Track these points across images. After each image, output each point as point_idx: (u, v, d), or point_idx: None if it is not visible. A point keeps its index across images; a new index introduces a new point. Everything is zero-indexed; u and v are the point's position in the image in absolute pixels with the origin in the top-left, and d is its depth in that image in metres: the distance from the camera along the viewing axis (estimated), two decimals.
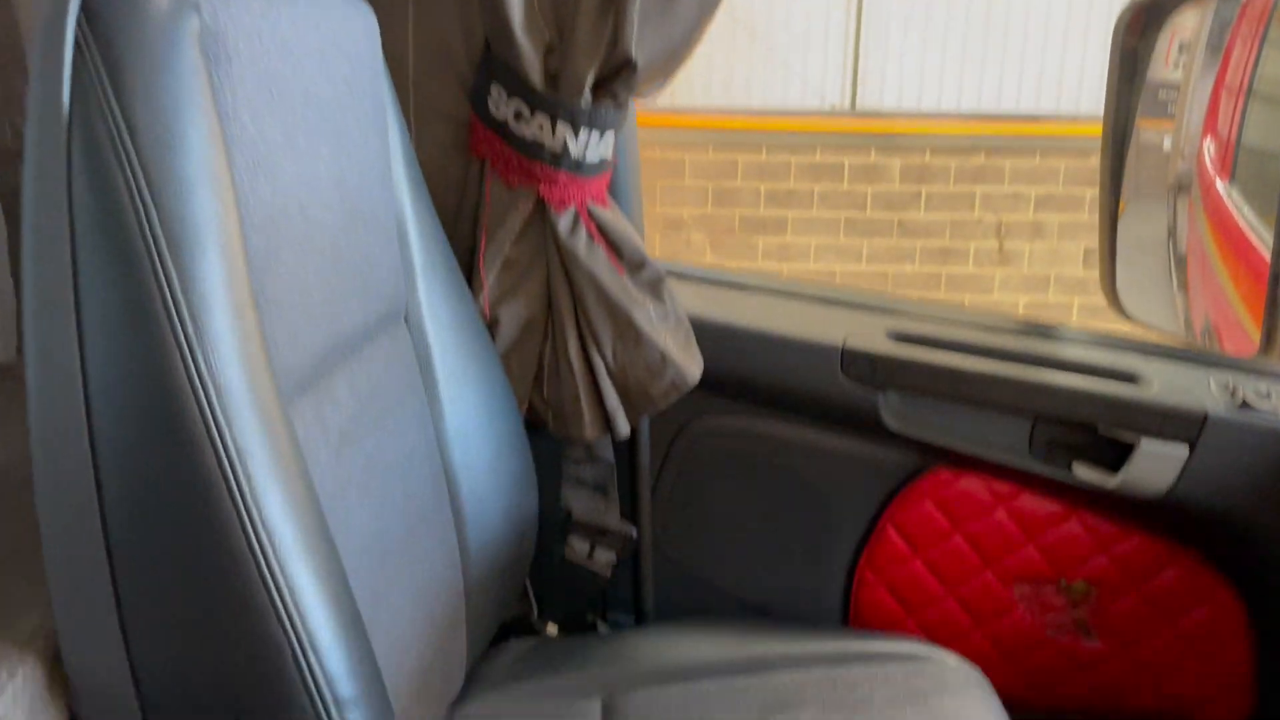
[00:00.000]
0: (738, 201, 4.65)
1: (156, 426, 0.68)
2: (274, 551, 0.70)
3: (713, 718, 1.06)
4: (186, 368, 0.67)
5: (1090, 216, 4.41)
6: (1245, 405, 1.21)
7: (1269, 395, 1.23)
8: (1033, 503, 1.32)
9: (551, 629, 1.29)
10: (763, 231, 4.68)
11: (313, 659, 0.70)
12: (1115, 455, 1.26)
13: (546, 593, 1.30)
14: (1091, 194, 4.43)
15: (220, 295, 0.69)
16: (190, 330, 0.67)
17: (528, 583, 1.26)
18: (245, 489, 0.69)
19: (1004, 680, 1.35)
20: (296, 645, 0.70)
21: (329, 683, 0.71)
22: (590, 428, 1.20)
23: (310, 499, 0.75)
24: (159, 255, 0.66)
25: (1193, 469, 1.22)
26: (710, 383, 1.30)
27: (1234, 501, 1.23)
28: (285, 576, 0.70)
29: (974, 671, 1.13)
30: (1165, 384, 1.25)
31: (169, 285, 0.67)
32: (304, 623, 0.70)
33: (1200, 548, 1.29)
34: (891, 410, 1.31)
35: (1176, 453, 1.22)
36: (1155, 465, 1.23)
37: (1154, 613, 1.31)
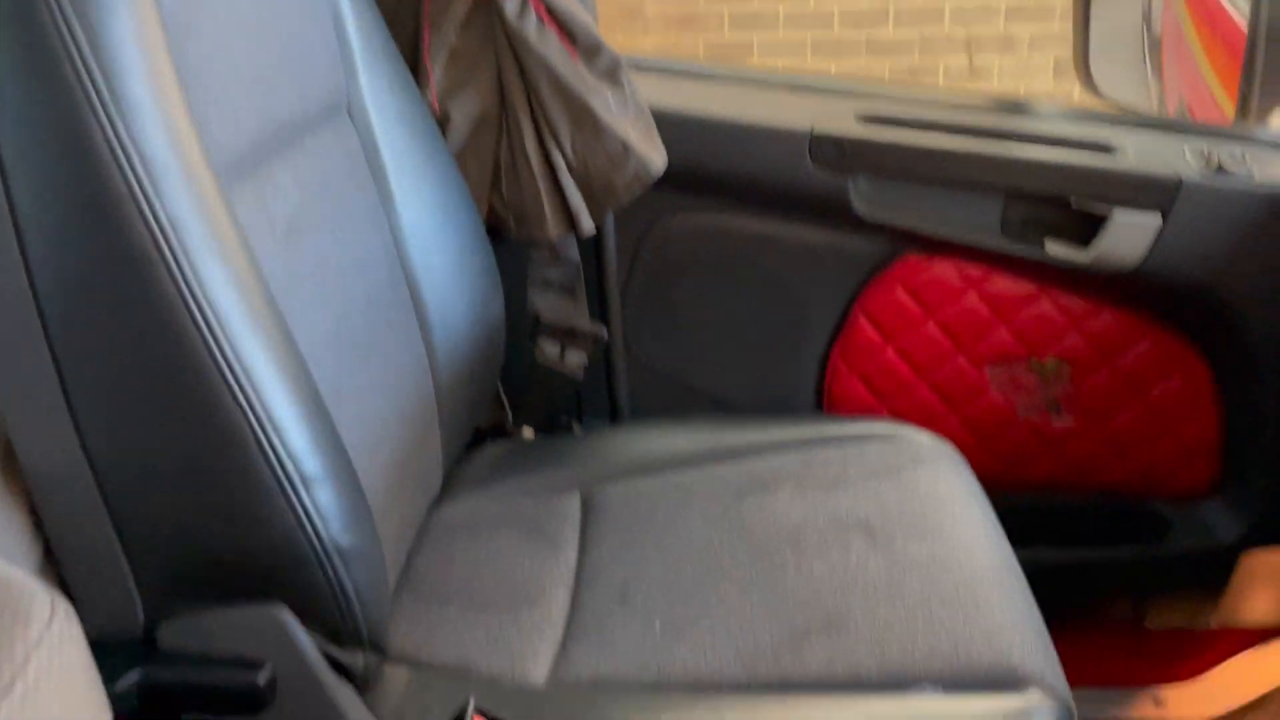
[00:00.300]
0: (704, 27, 4.49)
1: (80, 200, 0.64)
2: (220, 327, 0.67)
3: (691, 504, 1.06)
4: (105, 134, 0.63)
5: (1062, 24, 4.29)
6: (1220, 170, 1.19)
7: (1244, 159, 1.21)
8: (1004, 284, 1.31)
9: (527, 433, 1.28)
10: (728, 60, 4.53)
11: (273, 435, 0.69)
12: (1087, 231, 1.24)
13: (520, 398, 1.29)
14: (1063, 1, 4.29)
15: (132, 56, 0.64)
16: (104, 92, 0.63)
17: (500, 388, 1.25)
18: (182, 262, 0.66)
19: (976, 462, 1.36)
20: (255, 422, 0.68)
21: (293, 459, 0.70)
22: (553, 226, 1.17)
23: (256, 279, 0.72)
24: (58, 5, 0.61)
25: (1166, 238, 1.20)
26: (675, 178, 1.26)
27: (1206, 269, 1.22)
28: (235, 352, 0.68)
29: (946, 445, 1.14)
30: (1139, 153, 1.22)
31: (74, 41, 0.62)
32: (260, 399, 0.68)
33: (1171, 319, 1.29)
34: (862, 196, 1.28)
35: (1149, 222, 1.20)
36: (1128, 236, 1.21)
37: (1124, 387, 1.32)
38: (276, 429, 0.69)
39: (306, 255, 0.86)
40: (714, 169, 1.30)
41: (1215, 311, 1.25)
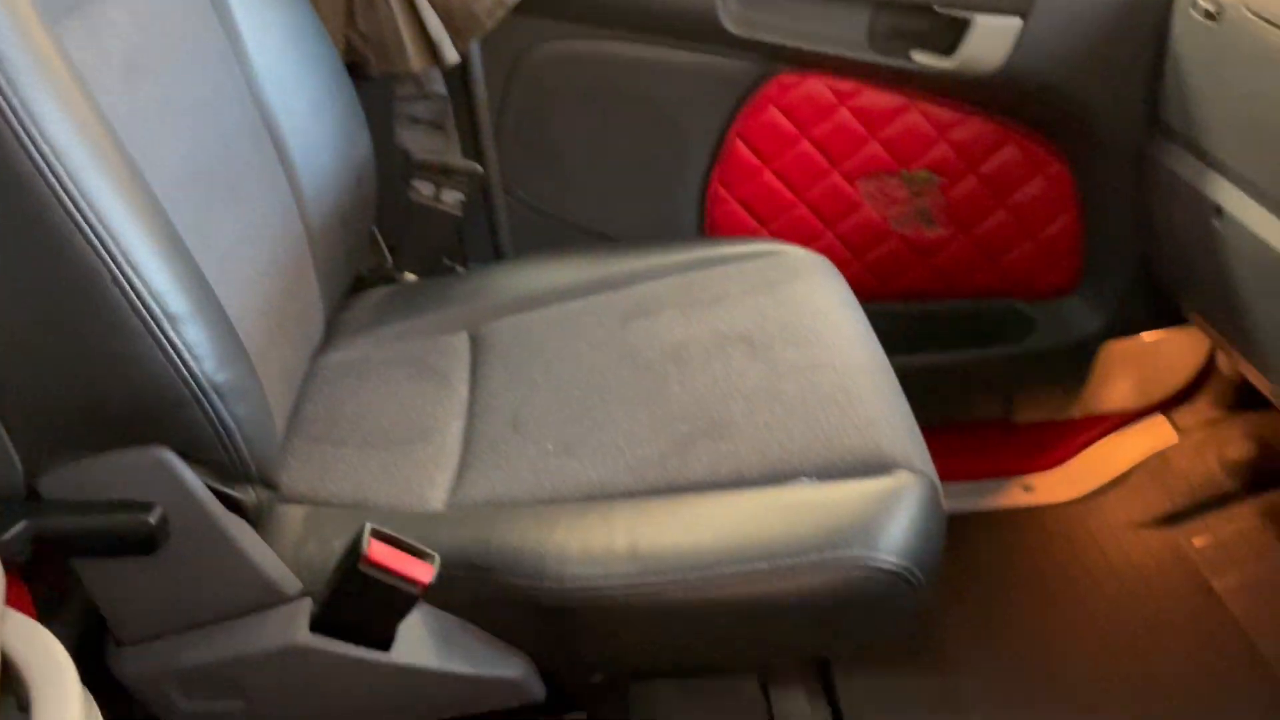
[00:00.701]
0: None
1: None
2: (62, 165, 0.64)
3: (577, 332, 1.08)
4: None
5: None
6: None
7: None
8: (874, 98, 1.32)
9: (410, 278, 1.27)
10: None
11: (132, 275, 0.67)
12: (951, 39, 1.26)
13: (399, 242, 1.27)
14: None
15: None
16: None
17: (377, 231, 1.23)
18: (12, 99, 0.62)
19: (853, 275, 1.41)
20: (111, 262, 0.66)
21: (155, 299, 0.68)
22: (415, 58, 1.13)
23: (96, 116, 0.69)
24: None
25: (1025, 41, 1.23)
26: (542, 3, 1.22)
27: (1063, 70, 1.25)
28: (82, 192, 0.65)
29: (822, 259, 1.17)
30: None
31: None
32: (114, 238, 0.66)
33: (1031, 123, 1.33)
34: (731, 14, 1.27)
35: (1010, 25, 1.22)
36: (989, 41, 1.23)
37: (990, 193, 1.37)
38: (135, 269, 0.67)
39: (150, 94, 0.82)
40: None
41: (1072, 111, 1.29)
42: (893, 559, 0.79)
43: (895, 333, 1.43)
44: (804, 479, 0.87)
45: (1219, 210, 1.16)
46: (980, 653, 1.30)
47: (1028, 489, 1.51)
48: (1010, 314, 1.44)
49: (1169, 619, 1.31)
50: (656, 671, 1.07)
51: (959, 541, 1.45)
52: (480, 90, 1.26)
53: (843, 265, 1.41)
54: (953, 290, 1.43)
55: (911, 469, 0.87)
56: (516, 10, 1.20)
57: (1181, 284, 1.32)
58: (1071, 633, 1.31)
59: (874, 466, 0.87)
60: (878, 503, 0.84)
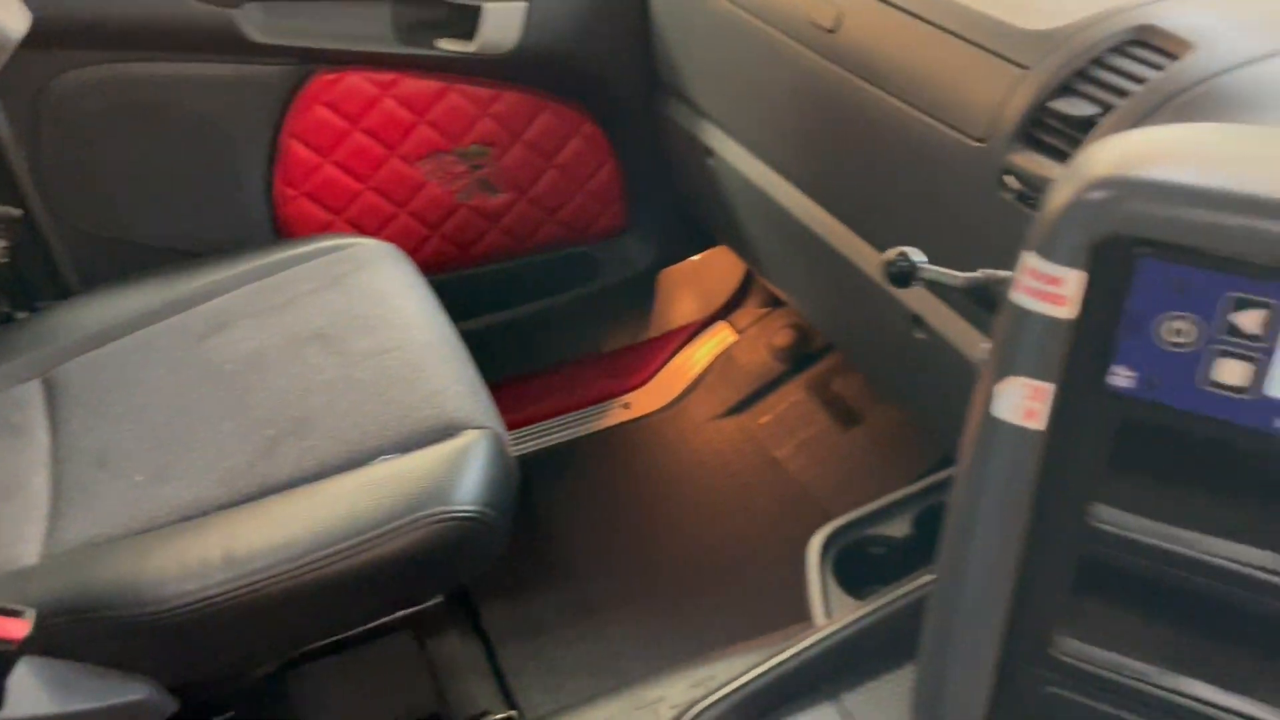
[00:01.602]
0: None
1: None
2: None
3: (154, 359, 1.11)
4: None
5: None
6: None
7: None
8: (414, 85, 1.42)
9: None
10: None
11: None
12: (470, 25, 1.38)
13: None
14: None
15: None
16: None
17: None
18: None
19: (434, 249, 1.52)
20: None
21: None
22: None
23: None
24: None
25: (532, 21, 1.37)
26: (51, 35, 1.20)
27: (571, 44, 1.42)
28: None
29: (388, 247, 1.27)
30: None
31: None
32: None
33: (561, 92, 1.49)
34: (255, 24, 1.31)
35: (516, 8, 1.36)
36: (501, 24, 1.36)
37: (538, 156, 1.52)
38: None
39: None
40: (91, 18, 1.25)
41: (588, 78, 1.46)
42: (467, 508, 0.92)
43: (483, 294, 1.56)
44: (384, 456, 0.98)
45: (710, 151, 1.37)
46: (601, 558, 1.49)
47: (626, 406, 1.71)
48: (578, 258, 1.62)
49: (747, 489, 1.57)
50: (299, 656, 1.15)
51: (576, 464, 1.64)
52: (4, 130, 1.22)
53: (421, 242, 1.52)
54: (525, 247, 1.58)
55: (476, 426, 1.00)
56: (26, 45, 1.17)
57: (705, 215, 1.55)
58: (672, 521, 1.54)
59: (443, 432, 0.99)
60: (448, 462, 0.96)
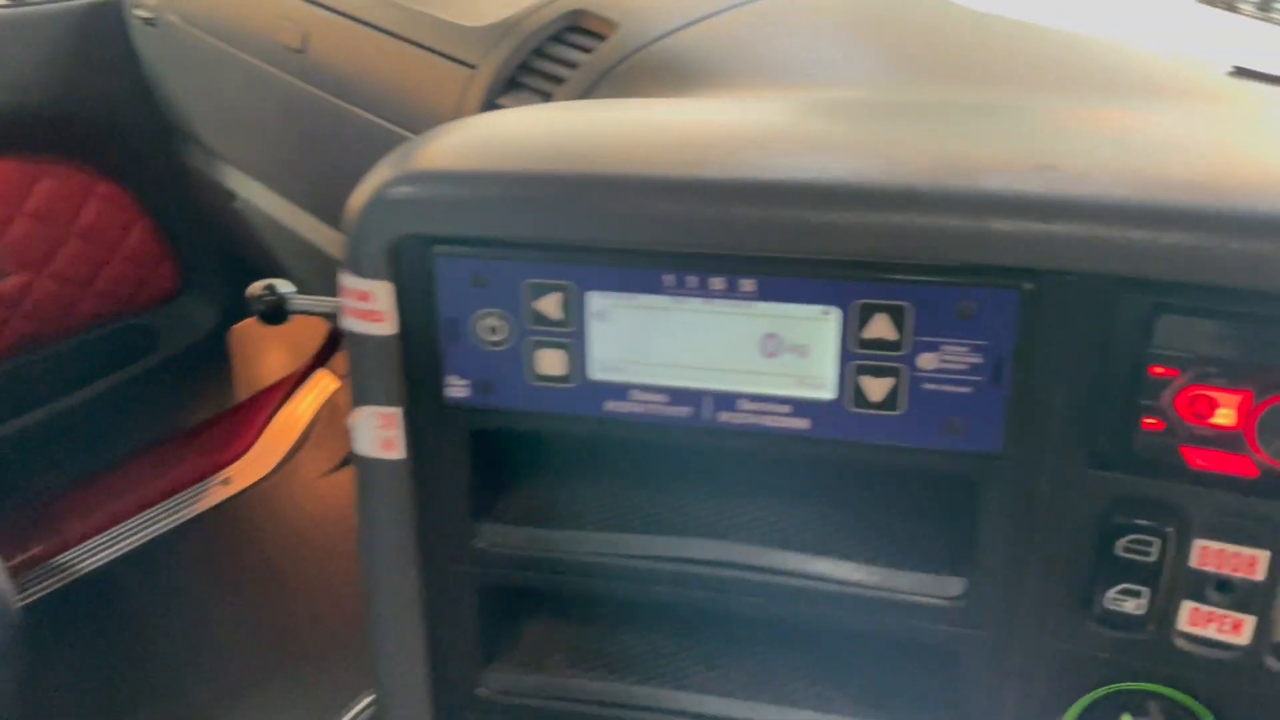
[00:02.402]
0: None
1: None
2: None
3: None
4: None
5: None
6: None
7: None
8: None
9: None
10: None
11: None
12: None
13: None
14: None
15: None
16: None
17: None
18: None
19: None
20: None
21: None
22: None
23: None
24: None
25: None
26: None
27: (56, 98, 1.26)
28: None
29: None
30: None
31: None
32: None
33: (61, 154, 1.32)
34: None
35: None
36: None
37: (49, 226, 1.34)
38: None
39: None
40: None
41: (89, 132, 1.31)
42: None
43: (19, 392, 1.36)
44: None
45: (232, 194, 1.26)
46: (217, 651, 1.34)
47: (227, 482, 1.56)
48: (131, 331, 1.45)
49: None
50: None
51: (176, 558, 1.47)
52: None
53: None
54: (60, 328, 1.40)
55: None
56: None
57: (254, 261, 1.43)
58: (294, 591, 1.41)
59: None
60: None
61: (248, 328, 1.56)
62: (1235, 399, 0.39)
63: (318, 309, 0.58)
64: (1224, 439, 0.40)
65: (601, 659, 0.55)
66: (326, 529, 1.50)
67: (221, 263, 1.48)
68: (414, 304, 0.47)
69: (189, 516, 1.52)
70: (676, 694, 0.53)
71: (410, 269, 0.47)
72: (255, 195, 1.23)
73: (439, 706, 0.54)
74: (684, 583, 0.50)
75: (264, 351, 1.63)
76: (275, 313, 0.57)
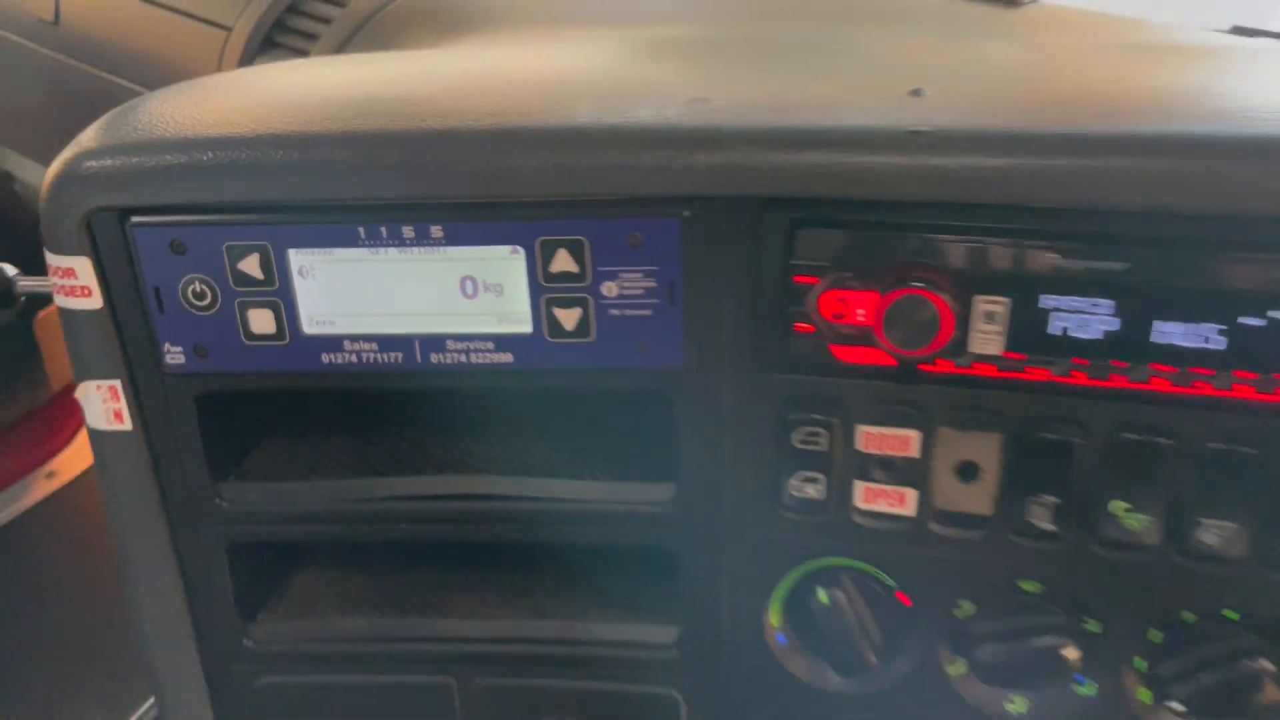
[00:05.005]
0: None
1: None
2: None
3: None
4: None
5: None
6: None
7: None
8: None
9: None
10: None
11: None
12: None
13: None
14: None
15: None
16: None
17: None
18: None
19: None
20: None
21: None
22: None
23: None
24: None
25: None
26: None
27: None
28: None
29: None
30: None
31: None
32: None
33: None
34: None
35: None
36: None
37: None
38: None
39: None
40: None
41: None
42: None
43: None
44: None
45: (10, 176, 1.21)
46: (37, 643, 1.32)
47: (51, 475, 1.51)
48: None
49: None
50: None
51: (12, 556, 1.42)
52: None
53: None
54: None
55: None
56: None
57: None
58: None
59: None
60: None
61: (53, 315, 1.51)
62: (865, 299, 0.44)
63: (42, 289, 0.57)
64: (862, 335, 0.45)
65: (367, 599, 0.58)
66: None
67: (10, 249, 1.42)
68: (118, 276, 0.48)
69: (9, 518, 1.48)
70: (439, 621, 0.56)
71: (108, 241, 0.48)
72: (33, 176, 1.18)
73: (207, 662, 0.56)
74: (425, 519, 0.53)
75: (56, 340, 1.57)
76: (3, 297, 0.56)
